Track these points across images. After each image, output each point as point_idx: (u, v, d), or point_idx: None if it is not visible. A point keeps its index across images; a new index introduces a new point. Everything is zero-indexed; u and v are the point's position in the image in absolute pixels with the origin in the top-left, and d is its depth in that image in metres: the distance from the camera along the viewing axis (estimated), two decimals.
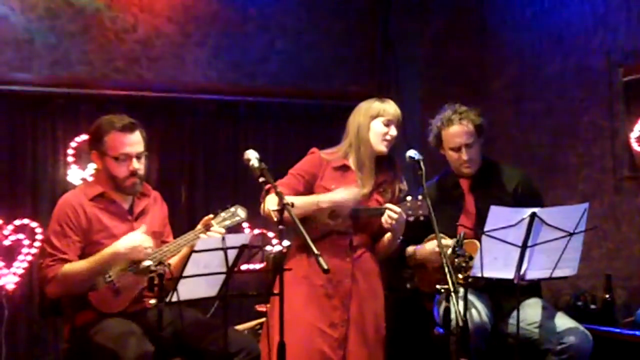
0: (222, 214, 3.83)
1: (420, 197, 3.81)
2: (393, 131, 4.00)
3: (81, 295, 3.65)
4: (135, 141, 3.80)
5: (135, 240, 3.67)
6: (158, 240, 3.89)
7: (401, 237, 3.98)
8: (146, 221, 3.89)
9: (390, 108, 4.02)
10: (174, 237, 3.93)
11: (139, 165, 3.80)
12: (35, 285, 5.26)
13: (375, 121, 3.99)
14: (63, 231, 3.70)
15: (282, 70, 6.21)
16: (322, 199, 3.89)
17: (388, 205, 3.86)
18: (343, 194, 3.89)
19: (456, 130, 4.19)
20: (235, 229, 3.90)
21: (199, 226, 3.79)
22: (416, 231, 4.07)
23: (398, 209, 3.81)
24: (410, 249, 4.23)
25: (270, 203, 3.63)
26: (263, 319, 4.41)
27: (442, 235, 3.74)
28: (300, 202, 3.78)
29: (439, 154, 4.36)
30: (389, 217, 3.82)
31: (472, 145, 4.19)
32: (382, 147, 4.00)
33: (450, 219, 4.13)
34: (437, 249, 3.91)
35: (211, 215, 3.81)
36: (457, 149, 4.19)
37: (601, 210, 4.95)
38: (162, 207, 4.06)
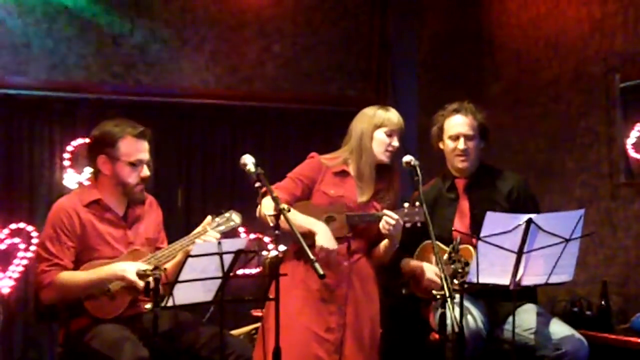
0: (217, 220, 3.84)
1: (417, 203, 3.81)
2: (395, 142, 3.99)
3: (76, 300, 3.65)
4: (147, 148, 3.85)
5: (139, 269, 3.64)
6: (152, 247, 3.89)
7: (397, 245, 3.98)
8: (141, 227, 3.90)
9: (394, 117, 4.02)
10: (170, 242, 3.93)
11: (149, 172, 3.83)
12: (31, 289, 5.27)
13: (378, 131, 3.99)
14: (57, 237, 3.69)
15: (279, 74, 6.22)
16: (314, 228, 3.84)
17: (385, 211, 3.85)
18: (327, 239, 3.83)
19: (459, 119, 4.20)
20: (231, 233, 3.90)
21: (198, 229, 3.80)
22: (412, 237, 4.08)
23: (395, 216, 3.80)
24: (408, 264, 4.22)
25: (266, 207, 3.62)
26: (259, 324, 4.41)
27: (437, 243, 3.74)
28: (295, 220, 3.68)
29: (435, 160, 4.36)
30: (387, 222, 3.82)
31: (471, 139, 4.18)
32: (384, 157, 4.00)
33: (444, 221, 4.14)
34: (433, 277, 3.97)
35: (209, 218, 3.81)
36: (456, 138, 4.19)
37: (597, 216, 4.95)
38: (157, 213, 4.06)
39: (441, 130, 4.26)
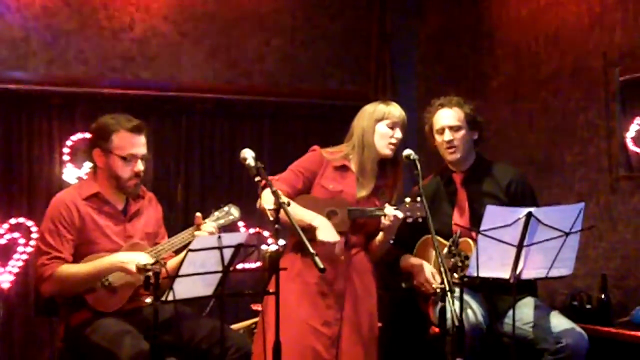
0: (216, 213, 3.86)
1: (418, 198, 3.81)
2: (398, 134, 4.01)
3: (76, 294, 3.65)
4: (142, 143, 3.84)
5: (139, 258, 3.64)
6: (152, 241, 3.89)
7: (393, 239, 3.99)
8: (140, 222, 3.90)
9: (396, 111, 4.04)
10: (169, 237, 3.93)
11: (142, 167, 3.82)
12: (31, 284, 5.27)
13: (380, 124, 4.00)
14: (57, 230, 3.70)
15: (278, 69, 6.22)
16: (316, 220, 3.84)
17: (387, 206, 3.86)
18: (328, 233, 3.83)
19: (443, 112, 4.23)
20: (231, 228, 3.90)
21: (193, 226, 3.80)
22: (411, 233, 4.09)
23: (400, 213, 3.81)
24: (407, 261, 4.23)
25: (266, 201, 3.62)
26: (258, 318, 4.41)
27: (437, 237, 3.74)
28: (297, 213, 3.72)
29: (434, 155, 4.36)
30: (388, 216, 3.82)
31: (457, 130, 4.19)
32: (387, 151, 4.01)
33: (443, 216, 4.15)
34: (430, 276, 4.00)
35: (200, 214, 3.81)
36: (442, 131, 4.21)
37: (597, 210, 4.95)
38: (156, 209, 4.06)
39: (431, 128, 4.28)
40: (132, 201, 3.92)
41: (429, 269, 4.08)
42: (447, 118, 4.20)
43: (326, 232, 3.82)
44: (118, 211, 3.86)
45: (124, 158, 3.77)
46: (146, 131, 3.88)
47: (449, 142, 4.18)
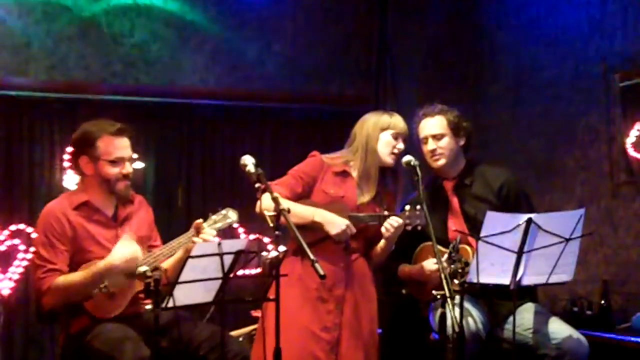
0: (214, 217, 3.86)
1: (418, 206, 3.82)
2: (401, 145, 4.03)
3: (77, 302, 3.65)
4: (127, 145, 3.84)
5: (128, 252, 3.65)
6: (145, 245, 3.88)
7: (393, 246, 3.99)
8: (131, 226, 3.89)
9: (399, 122, 4.06)
10: (169, 241, 3.92)
11: (131, 170, 3.83)
12: (31, 290, 5.26)
13: (385, 133, 4.02)
14: (50, 242, 3.68)
15: (279, 74, 6.21)
16: (317, 216, 3.88)
17: (388, 213, 3.87)
18: (335, 224, 3.86)
19: (425, 122, 4.22)
20: (231, 234, 3.90)
21: (191, 230, 3.80)
22: (408, 241, 4.09)
23: (400, 220, 3.82)
24: (405, 270, 4.23)
25: (267, 206, 3.61)
26: (258, 324, 4.41)
27: (439, 247, 3.74)
28: (297, 212, 3.77)
29: None
30: (390, 225, 3.83)
31: (440, 138, 4.18)
32: (389, 160, 4.02)
33: (438, 223, 4.13)
34: (433, 268, 3.96)
35: (201, 220, 3.81)
36: (426, 141, 4.21)
37: (598, 215, 4.95)
38: (147, 211, 4.05)
39: (418, 138, 4.28)
40: (121, 206, 3.92)
41: (429, 263, 4.06)
42: (429, 127, 4.20)
43: (332, 224, 3.85)
44: (108, 217, 3.86)
45: (112, 162, 3.78)
46: (129, 133, 3.88)
47: (432, 151, 4.18)
